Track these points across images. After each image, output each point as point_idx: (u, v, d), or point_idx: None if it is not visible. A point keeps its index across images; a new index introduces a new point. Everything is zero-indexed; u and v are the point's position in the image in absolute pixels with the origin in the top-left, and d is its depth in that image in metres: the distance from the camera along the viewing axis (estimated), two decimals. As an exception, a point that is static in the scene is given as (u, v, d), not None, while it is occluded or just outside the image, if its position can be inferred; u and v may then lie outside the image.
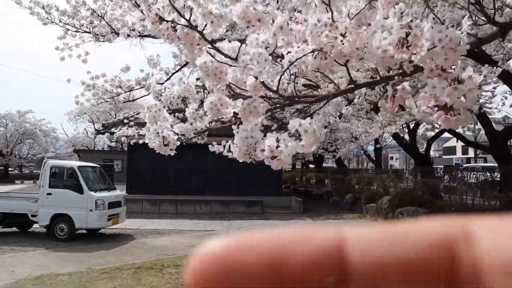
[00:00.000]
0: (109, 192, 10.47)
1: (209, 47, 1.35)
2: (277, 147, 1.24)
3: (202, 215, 14.51)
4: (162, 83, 6.66)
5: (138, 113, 15.05)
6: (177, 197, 15.43)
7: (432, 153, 20.17)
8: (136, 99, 7.04)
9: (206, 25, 1.24)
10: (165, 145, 1.69)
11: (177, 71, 6.87)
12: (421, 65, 1.21)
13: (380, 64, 1.28)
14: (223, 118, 1.74)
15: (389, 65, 1.26)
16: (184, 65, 7.03)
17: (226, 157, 8.82)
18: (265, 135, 1.52)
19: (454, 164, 35.17)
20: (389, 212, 12.06)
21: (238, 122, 1.50)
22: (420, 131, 17.47)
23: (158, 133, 1.67)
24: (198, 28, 1.25)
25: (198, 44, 1.31)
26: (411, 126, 15.26)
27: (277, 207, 16.01)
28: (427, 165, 14.83)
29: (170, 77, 6.99)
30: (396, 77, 1.11)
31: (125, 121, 12.29)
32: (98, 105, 9.22)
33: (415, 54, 1.09)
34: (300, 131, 1.25)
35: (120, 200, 10.63)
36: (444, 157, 52.26)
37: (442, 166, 17.24)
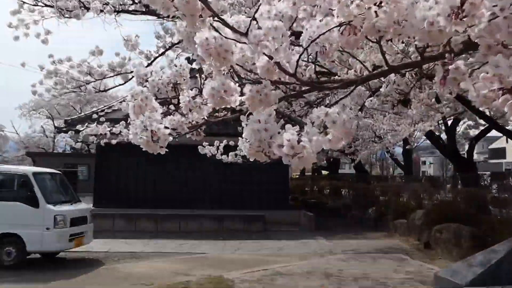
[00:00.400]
0: (72, 205, 10.45)
1: (214, 20, 1.37)
2: (299, 142, 1.25)
3: (190, 234, 14.50)
4: (141, 69, 6.68)
5: (110, 107, 15.09)
6: (158, 212, 15.43)
7: (475, 156, 20.21)
8: (109, 89, 7.05)
9: (210, -9, 1.27)
10: (154, 141, 1.71)
11: (160, 55, 6.90)
12: (476, 41, 1.23)
13: (425, 40, 1.30)
14: (217, 113, 1.76)
15: (436, 41, 1.28)
16: (169, 48, 7.06)
17: (220, 161, 8.85)
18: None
19: (504, 170, 35.21)
20: (424, 230, 12.09)
21: (248, 112, 1.52)
22: (461, 128, 17.52)
23: (145, 126, 1.68)
24: (200, -4, 1.27)
25: (200, 16, 1.33)
26: (450, 122, 15.30)
27: (283, 223, 16.04)
28: (469, 171, 14.86)
29: (152, 62, 7.01)
30: (447, 55, 1.13)
31: (94, 116, 12.30)
32: (61, 96, 9.19)
33: (471, 26, 1.11)
34: (327, 123, 1.27)
35: (85, 215, 10.61)
36: (490, 161, 52.34)
37: (489, 173, 17.26)
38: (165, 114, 2.10)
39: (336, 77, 5.92)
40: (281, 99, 1.76)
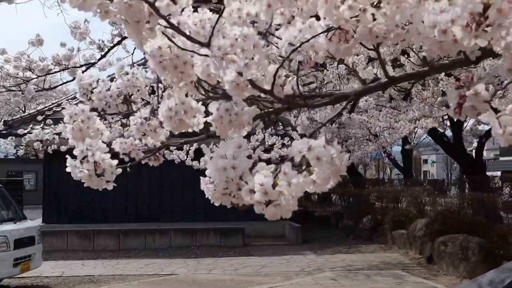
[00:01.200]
0: (16, 224, 10.23)
1: (165, 26, 1.23)
2: (274, 185, 1.13)
3: (157, 251, 14.37)
4: (94, 63, 6.51)
5: (59, 105, 14.80)
6: (119, 226, 15.24)
7: (485, 153, 20.41)
8: (55, 87, 6.83)
9: (160, -8, 1.13)
10: (99, 175, 1.57)
11: (115, 45, 6.73)
12: (499, 52, 1.12)
13: (435, 52, 1.19)
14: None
15: (450, 52, 1.17)
16: (126, 37, 6.89)
17: (190, 167, 8.83)
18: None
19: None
20: (427, 241, 12.12)
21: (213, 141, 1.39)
22: (468, 123, 17.65)
23: (86, 156, 1.54)
24: (148, -3, 1.14)
25: (147, 22, 1.20)
26: (455, 118, 15.37)
27: (265, 237, 15.98)
28: (478, 172, 14.97)
29: (106, 53, 6.85)
30: (464, 77, 1.02)
31: (39, 117, 12.01)
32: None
33: (497, 39, 1.00)
34: (310, 159, 1.15)
35: (33, 235, 10.42)
36: (502, 159, 52.84)
37: (500, 173, 17.47)
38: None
39: (325, 72, 5.85)
40: (256, 117, 1.64)
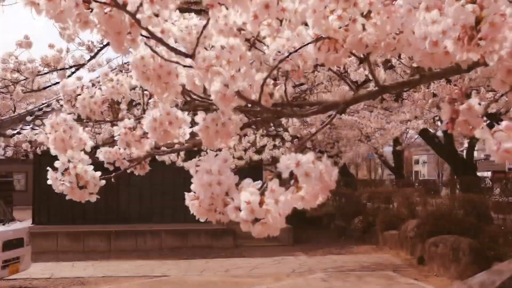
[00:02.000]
0: (5, 225, 10.14)
1: (147, 37, 1.18)
2: (261, 203, 1.08)
3: (148, 252, 14.28)
4: (83, 65, 6.44)
5: (49, 105, 14.67)
6: (110, 227, 15.14)
7: (475, 153, 20.48)
8: (44, 88, 6.74)
9: (141, 2, 1.08)
10: (81, 188, 1.52)
11: (105, 46, 6.66)
12: (491, 63, 1.08)
13: (427, 64, 1.15)
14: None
15: (442, 65, 1.13)
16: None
17: (181, 168, 8.76)
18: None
19: (507, 169, 35.77)
20: (418, 242, 12.12)
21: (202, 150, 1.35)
22: (459, 124, 17.60)
23: (68, 168, 1.49)
24: (129, 8, 1.09)
25: (129, 33, 1.15)
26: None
27: (256, 238, 15.88)
28: (469, 173, 15.00)
29: (95, 54, 6.78)
30: (457, 91, 0.98)
31: (28, 118, 11.89)
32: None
33: (490, 52, 0.96)
34: (298, 176, 1.11)
35: (21, 237, 10.32)
36: (492, 159, 53.25)
37: (490, 173, 17.50)
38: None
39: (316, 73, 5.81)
40: (244, 127, 1.60)
